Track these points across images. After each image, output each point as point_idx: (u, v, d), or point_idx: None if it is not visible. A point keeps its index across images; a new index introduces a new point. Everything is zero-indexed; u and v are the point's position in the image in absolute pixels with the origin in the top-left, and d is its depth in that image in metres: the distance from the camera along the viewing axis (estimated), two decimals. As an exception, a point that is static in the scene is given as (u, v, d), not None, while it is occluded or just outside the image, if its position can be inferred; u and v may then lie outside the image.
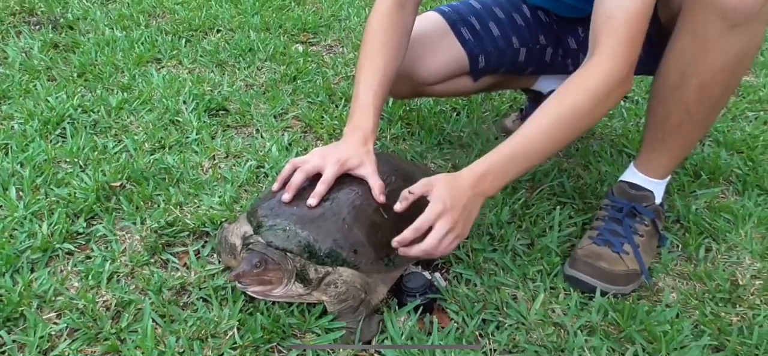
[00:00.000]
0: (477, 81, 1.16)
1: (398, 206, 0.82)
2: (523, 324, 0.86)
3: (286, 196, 0.86)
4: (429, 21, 1.13)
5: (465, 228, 0.82)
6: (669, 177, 1.01)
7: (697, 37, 0.85)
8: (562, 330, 0.85)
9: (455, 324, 0.85)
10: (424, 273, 0.91)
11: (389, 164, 0.98)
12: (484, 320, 0.86)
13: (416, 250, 0.80)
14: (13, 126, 1.26)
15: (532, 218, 1.06)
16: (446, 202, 0.79)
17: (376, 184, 0.88)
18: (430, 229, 0.79)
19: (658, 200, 0.99)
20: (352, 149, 0.90)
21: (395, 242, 0.81)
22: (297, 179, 0.87)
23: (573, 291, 0.91)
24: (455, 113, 1.40)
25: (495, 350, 0.82)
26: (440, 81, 1.13)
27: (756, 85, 1.62)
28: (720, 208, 1.11)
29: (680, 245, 1.03)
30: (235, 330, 0.81)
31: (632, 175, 1.00)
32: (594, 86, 0.82)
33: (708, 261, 1.00)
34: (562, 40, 1.15)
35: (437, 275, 0.94)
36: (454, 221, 0.79)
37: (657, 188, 0.99)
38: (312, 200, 0.85)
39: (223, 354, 0.78)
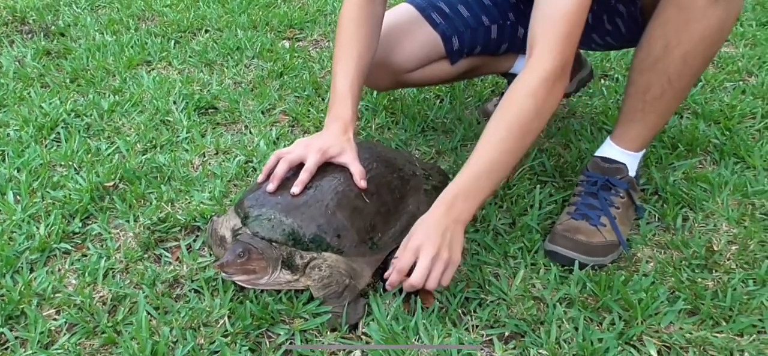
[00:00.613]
0: (455, 64, 1.18)
1: (391, 279, 0.84)
2: (503, 299, 0.89)
3: (271, 186, 0.89)
4: (400, 12, 1.16)
5: (452, 253, 0.83)
6: (644, 150, 1.04)
7: (682, 8, 0.88)
8: (541, 304, 0.88)
9: (439, 304, 0.88)
10: (408, 255, 0.95)
11: (371, 152, 1.01)
12: (466, 298, 0.90)
13: (407, 285, 0.83)
14: (9, 133, 1.29)
15: (513, 198, 1.09)
16: (420, 237, 0.82)
17: (356, 170, 0.91)
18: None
19: (631, 173, 1.01)
20: (333, 138, 0.93)
21: (388, 285, 0.84)
22: (281, 170, 0.90)
23: (553, 265, 0.94)
24: (439, 100, 1.42)
25: (476, 326, 0.86)
26: (417, 67, 1.16)
27: (735, 55, 1.64)
28: (697, 178, 1.14)
29: (658, 216, 1.06)
30: (225, 318, 0.85)
31: (608, 149, 1.03)
32: (534, 88, 0.84)
33: (685, 230, 1.03)
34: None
35: (422, 257, 0.97)
36: (437, 248, 0.81)
37: (631, 160, 1.02)
38: (295, 188, 0.88)
39: (214, 341, 0.82)
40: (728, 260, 0.96)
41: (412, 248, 0.83)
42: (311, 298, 0.87)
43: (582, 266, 0.93)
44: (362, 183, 0.90)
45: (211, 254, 0.95)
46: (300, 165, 0.91)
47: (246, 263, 0.82)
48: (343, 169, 0.92)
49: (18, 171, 1.16)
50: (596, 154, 1.04)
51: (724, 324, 0.85)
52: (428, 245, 0.82)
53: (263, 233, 0.85)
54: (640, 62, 0.95)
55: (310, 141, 0.93)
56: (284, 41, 1.76)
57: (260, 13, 1.90)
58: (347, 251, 0.87)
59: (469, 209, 0.85)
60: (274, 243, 0.85)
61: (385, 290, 0.87)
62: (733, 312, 0.86)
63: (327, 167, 0.93)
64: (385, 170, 0.99)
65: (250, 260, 0.82)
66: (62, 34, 1.77)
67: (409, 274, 0.83)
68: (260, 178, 0.93)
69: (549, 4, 0.86)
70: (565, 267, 0.94)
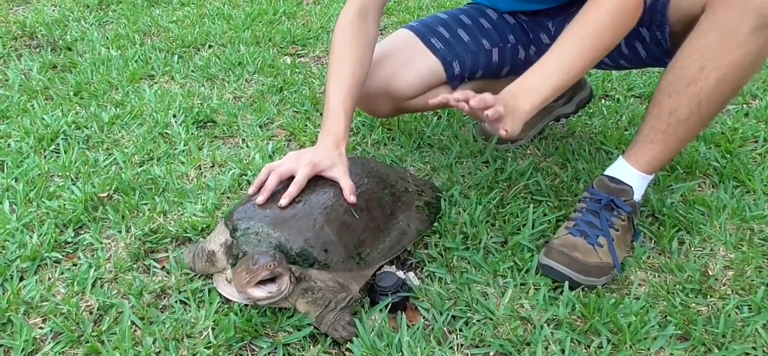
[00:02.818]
0: (456, 89, 1.18)
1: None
2: (490, 319, 0.88)
3: (260, 198, 0.90)
4: (399, 38, 1.17)
5: (513, 124, 0.87)
6: (654, 176, 1.02)
7: (727, 34, 0.87)
8: (528, 324, 0.87)
9: (424, 321, 0.87)
10: (396, 272, 0.94)
11: (363, 167, 1.01)
12: (453, 316, 0.89)
13: (475, 101, 0.85)
14: (9, 144, 1.31)
15: (505, 216, 1.08)
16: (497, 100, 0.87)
17: (346, 185, 0.91)
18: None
19: (637, 197, 1.00)
20: (325, 152, 0.94)
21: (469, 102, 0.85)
22: (271, 182, 0.91)
23: (542, 285, 0.92)
24: (436, 118, 1.42)
25: (461, 345, 0.84)
26: (418, 94, 1.16)
27: (748, 83, 1.62)
28: (695, 201, 1.12)
29: (654, 239, 1.04)
30: (209, 330, 0.85)
31: (619, 167, 1.01)
32: (613, 6, 0.90)
33: (681, 254, 1.01)
34: (533, 38, 1.18)
35: (411, 274, 0.96)
36: (505, 105, 0.87)
37: (641, 183, 1.00)
38: (283, 201, 0.88)
39: (197, 353, 0.81)
40: (724, 285, 0.94)
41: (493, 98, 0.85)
42: (295, 312, 0.86)
43: (574, 285, 0.91)
44: (352, 198, 0.90)
45: (193, 271, 0.94)
46: (291, 178, 0.91)
47: (280, 262, 0.79)
48: (334, 184, 0.92)
49: (15, 181, 1.18)
50: (606, 172, 1.01)
51: (716, 351, 0.83)
52: (499, 104, 0.85)
53: (248, 247, 0.85)
54: (670, 84, 0.94)
55: (301, 154, 0.94)
56: (286, 57, 1.78)
57: (264, 29, 1.92)
58: (334, 266, 0.86)
59: (531, 102, 0.89)
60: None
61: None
62: (725, 339, 0.84)
63: (317, 182, 0.93)
64: (376, 186, 0.98)
65: (281, 260, 0.79)
66: (69, 49, 1.81)
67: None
68: (251, 191, 0.93)
69: None
70: (556, 286, 0.93)
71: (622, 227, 0.98)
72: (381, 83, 1.11)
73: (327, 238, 0.86)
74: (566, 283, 0.91)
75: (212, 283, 0.91)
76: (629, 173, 0.99)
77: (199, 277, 0.94)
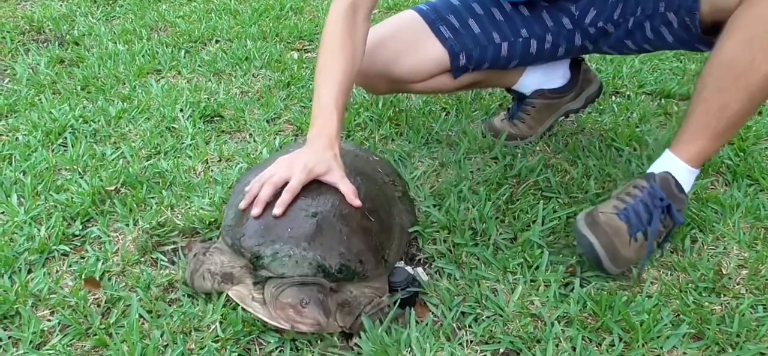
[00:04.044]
0: (457, 78, 1.17)
1: None
2: (500, 315, 0.87)
3: (255, 211, 0.85)
4: (406, 20, 1.13)
5: None
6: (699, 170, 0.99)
7: None
8: (539, 321, 0.86)
9: (433, 317, 0.86)
10: (406, 267, 0.93)
11: (348, 167, 0.94)
12: (462, 312, 0.88)
13: None
14: (17, 137, 1.31)
15: (515, 212, 1.07)
16: None
17: (347, 189, 0.88)
18: None
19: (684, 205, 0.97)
20: (318, 155, 0.89)
21: None
22: (265, 193, 0.86)
23: (553, 282, 0.91)
24: (445, 113, 1.41)
25: (471, 341, 0.83)
26: (420, 80, 1.14)
27: None
28: (708, 199, 1.10)
29: (665, 237, 1.03)
30: (217, 323, 0.84)
31: (683, 172, 0.95)
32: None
33: (694, 252, 0.99)
34: (553, 27, 1.13)
35: (419, 270, 0.95)
36: None
37: (691, 181, 0.97)
38: (277, 210, 0.84)
39: (205, 346, 0.81)
40: (737, 284, 0.93)
41: None
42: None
43: (597, 267, 0.89)
44: (357, 202, 0.87)
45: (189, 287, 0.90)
46: (284, 186, 0.86)
47: (324, 327, 0.78)
48: (328, 187, 0.88)
49: (24, 174, 1.18)
50: (672, 172, 0.95)
51: (730, 350, 0.81)
52: None
53: (286, 270, 0.81)
54: (719, 79, 0.91)
55: (294, 159, 0.89)
56: (293, 52, 1.77)
57: (271, 24, 1.92)
58: (370, 275, 0.84)
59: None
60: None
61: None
62: (740, 339, 0.82)
63: (309, 185, 0.87)
64: (369, 184, 0.94)
65: (325, 299, 0.78)
66: (76, 43, 1.81)
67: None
68: (243, 205, 0.88)
69: None
70: (566, 283, 0.91)
71: (662, 234, 0.95)
72: (382, 65, 1.08)
73: (358, 248, 0.83)
74: (576, 280, 0.90)
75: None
76: (686, 174, 0.96)
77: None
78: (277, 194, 0.87)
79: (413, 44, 1.10)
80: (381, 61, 1.07)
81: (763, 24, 0.86)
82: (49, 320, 0.86)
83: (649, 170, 0.98)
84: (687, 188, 0.97)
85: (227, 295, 0.87)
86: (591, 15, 1.09)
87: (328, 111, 0.91)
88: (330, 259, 0.81)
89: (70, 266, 0.96)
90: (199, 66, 1.66)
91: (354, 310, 0.82)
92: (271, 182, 0.87)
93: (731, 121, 0.93)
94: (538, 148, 1.29)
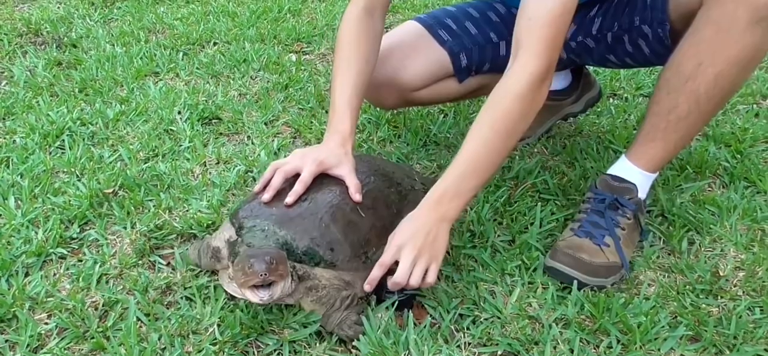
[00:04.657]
0: (463, 82, 1.18)
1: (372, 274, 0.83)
2: (498, 317, 0.87)
3: (266, 196, 0.89)
4: (407, 29, 1.16)
5: (435, 252, 0.83)
6: (658, 174, 1.01)
7: (721, 29, 0.86)
8: (537, 324, 0.86)
9: (431, 319, 0.87)
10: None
11: (369, 165, 1.00)
12: (460, 315, 0.88)
13: (390, 283, 0.83)
14: (15, 140, 1.31)
15: (513, 215, 1.07)
16: (403, 236, 0.83)
17: (352, 183, 0.90)
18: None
19: (641, 194, 0.99)
20: (330, 150, 0.93)
21: (366, 284, 0.84)
22: (277, 180, 0.90)
23: (551, 284, 0.92)
24: (442, 115, 1.41)
25: (469, 343, 0.83)
26: (425, 85, 1.15)
27: (749, 78, 1.60)
28: (705, 201, 1.11)
29: (663, 238, 1.03)
30: (215, 326, 0.84)
31: (621, 166, 1.00)
32: (520, 89, 0.85)
33: (691, 254, 0.99)
34: None
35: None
36: (418, 249, 0.82)
37: (644, 181, 0.99)
38: (289, 199, 0.87)
39: (202, 349, 0.81)
40: (735, 286, 0.93)
41: (394, 245, 0.83)
42: (300, 309, 0.86)
43: (581, 285, 0.90)
44: (357, 197, 0.90)
45: (199, 267, 0.94)
46: (297, 176, 0.90)
47: (275, 269, 0.77)
48: (340, 182, 0.92)
49: (21, 177, 1.17)
50: (608, 171, 1.01)
51: (727, 352, 0.81)
52: (410, 245, 0.81)
53: (256, 243, 0.84)
54: (668, 81, 0.93)
55: (307, 152, 0.93)
56: (291, 54, 1.77)
57: (269, 26, 1.92)
58: (340, 265, 0.85)
59: (455, 208, 0.86)
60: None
61: (369, 293, 0.85)
62: (737, 341, 0.83)
63: (324, 180, 0.92)
64: (383, 184, 0.97)
65: (278, 265, 0.78)
66: (74, 46, 1.81)
67: (392, 273, 0.82)
68: (256, 188, 0.93)
69: (534, 7, 0.86)
70: (564, 286, 0.92)
71: (628, 226, 0.97)
72: (388, 74, 1.11)
73: (333, 237, 0.85)
74: (575, 282, 0.90)
75: (217, 279, 0.90)
76: (632, 171, 0.99)
77: (205, 273, 0.93)
78: (288, 183, 0.90)
79: (415, 51, 1.13)
80: (387, 70, 1.11)
81: (712, 27, 0.87)
82: (46, 323, 0.86)
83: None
84: (643, 193, 0.99)
85: (225, 296, 0.87)
86: (570, 30, 1.11)
87: (342, 110, 0.96)
88: (299, 240, 0.84)
89: (68, 269, 0.96)
90: (197, 68, 1.66)
91: (322, 299, 0.83)
92: (282, 171, 0.90)
93: (681, 124, 0.94)
94: (536, 150, 1.29)
